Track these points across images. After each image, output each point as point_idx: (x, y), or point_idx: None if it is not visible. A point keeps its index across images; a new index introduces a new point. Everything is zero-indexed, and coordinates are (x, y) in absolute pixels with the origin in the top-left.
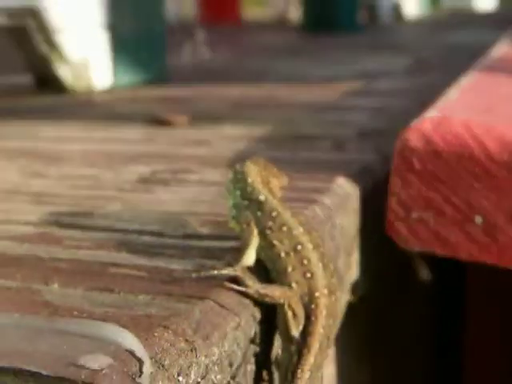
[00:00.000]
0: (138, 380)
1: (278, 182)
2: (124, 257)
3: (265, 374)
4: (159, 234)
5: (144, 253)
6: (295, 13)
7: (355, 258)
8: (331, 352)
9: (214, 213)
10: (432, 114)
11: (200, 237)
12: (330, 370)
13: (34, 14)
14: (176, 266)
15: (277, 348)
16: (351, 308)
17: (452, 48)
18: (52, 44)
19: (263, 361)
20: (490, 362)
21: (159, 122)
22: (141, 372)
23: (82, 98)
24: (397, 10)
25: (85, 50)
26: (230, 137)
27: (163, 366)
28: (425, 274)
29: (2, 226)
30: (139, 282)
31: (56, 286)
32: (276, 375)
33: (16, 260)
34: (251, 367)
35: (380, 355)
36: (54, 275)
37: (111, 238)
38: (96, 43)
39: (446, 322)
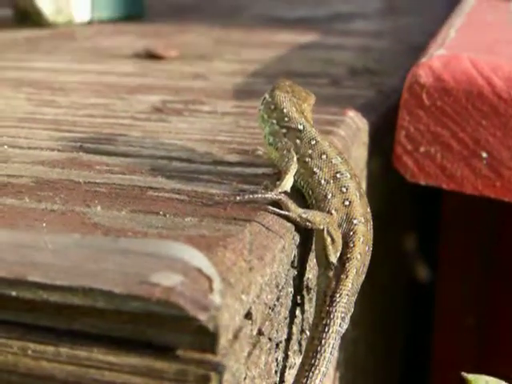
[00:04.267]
0: (210, 297)
1: (308, 104)
2: (160, 181)
3: (302, 296)
4: (189, 161)
5: (179, 178)
6: None
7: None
8: None
9: (236, 141)
10: (440, 51)
11: (230, 163)
12: None
13: None
14: (215, 190)
15: (312, 273)
16: None
17: None
18: None
19: (300, 284)
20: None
21: (151, 55)
22: (211, 289)
23: (64, 31)
24: None
25: None
26: (224, 72)
27: (230, 283)
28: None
29: (29, 151)
30: (182, 204)
31: (99, 208)
32: (314, 298)
33: (52, 183)
34: (291, 289)
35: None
36: (95, 198)
37: (142, 163)
38: None
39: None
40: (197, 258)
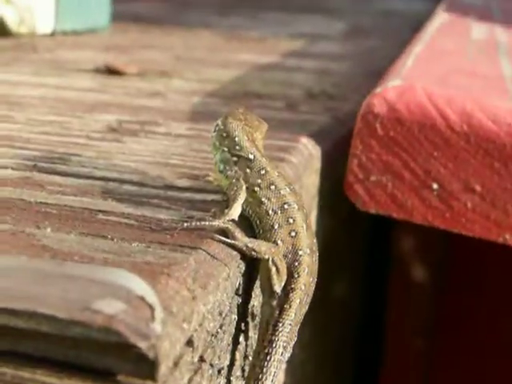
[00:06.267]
0: (151, 325)
1: (261, 132)
2: (110, 204)
3: (247, 323)
4: (140, 184)
5: (129, 201)
6: None
7: (313, 217)
8: None
9: (188, 166)
10: (395, 82)
11: (180, 188)
12: None
13: None
14: (163, 215)
15: (258, 301)
16: None
17: (386, 14)
18: None
19: (245, 311)
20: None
21: (110, 70)
22: (153, 318)
23: (25, 42)
24: None
25: None
26: (182, 91)
27: (172, 312)
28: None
29: None
30: (130, 229)
31: (49, 230)
32: (257, 327)
33: (3, 202)
34: (235, 317)
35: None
36: (45, 219)
37: (93, 184)
38: None
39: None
40: (140, 286)
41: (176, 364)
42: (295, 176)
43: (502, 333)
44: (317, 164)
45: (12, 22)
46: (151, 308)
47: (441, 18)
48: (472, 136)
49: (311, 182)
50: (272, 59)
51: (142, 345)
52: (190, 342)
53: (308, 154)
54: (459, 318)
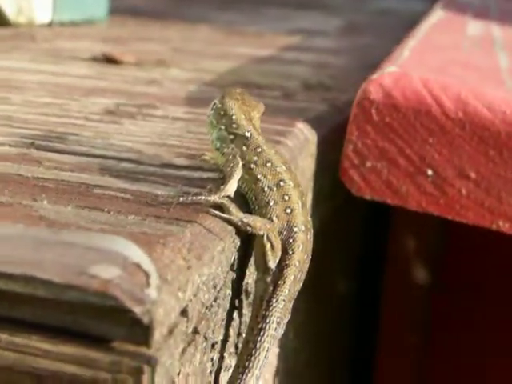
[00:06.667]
0: (146, 291)
1: (258, 112)
2: (107, 180)
3: (241, 300)
4: (137, 162)
5: (126, 177)
6: None
7: (308, 199)
8: None
9: (185, 146)
10: (391, 68)
11: (177, 166)
12: None
13: None
14: (160, 191)
15: (252, 278)
16: None
17: (383, 13)
18: None
19: (239, 288)
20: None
21: (108, 59)
22: (148, 284)
23: (24, 31)
24: None
25: None
26: (179, 79)
27: (167, 280)
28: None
29: None
30: (127, 203)
31: (45, 202)
32: (251, 305)
33: (0, 177)
34: (229, 292)
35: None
36: (42, 193)
37: (91, 162)
38: None
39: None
40: (136, 254)
41: (170, 332)
42: (291, 158)
43: (499, 332)
44: (312, 148)
45: (10, 12)
46: (147, 274)
47: (437, 15)
48: (467, 123)
49: (307, 164)
50: (270, 52)
51: (137, 309)
52: (184, 312)
53: (304, 139)
54: (455, 317)
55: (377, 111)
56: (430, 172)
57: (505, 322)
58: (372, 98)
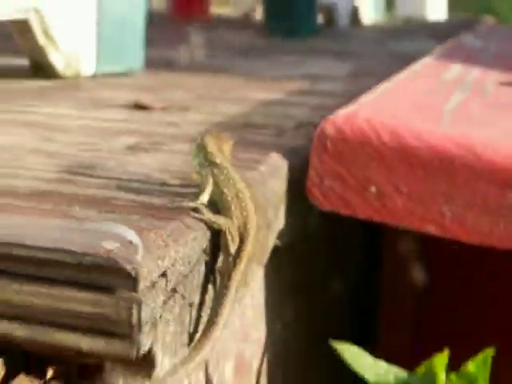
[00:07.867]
0: (135, 256)
1: (228, 146)
2: (121, 194)
3: (212, 273)
4: (144, 182)
5: (134, 192)
6: (260, 12)
7: (282, 212)
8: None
9: (182, 171)
10: (345, 110)
11: (171, 185)
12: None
13: (36, 11)
14: (156, 201)
15: (220, 258)
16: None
17: (395, 56)
18: (48, 36)
19: (211, 266)
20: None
21: (140, 106)
22: (136, 253)
23: (70, 83)
24: (355, 15)
25: (75, 42)
26: (194, 122)
27: (150, 251)
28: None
29: (29, 173)
30: (132, 209)
31: (77, 208)
32: (217, 279)
33: (47, 192)
34: (203, 268)
35: (303, 292)
36: (75, 203)
37: (110, 183)
38: (84, 37)
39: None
40: (130, 235)
41: (153, 286)
42: (261, 179)
43: (499, 332)
44: (283, 172)
45: (60, 67)
46: (136, 247)
47: (425, 60)
48: (400, 151)
49: (278, 185)
50: (279, 96)
51: (128, 267)
52: (164, 275)
53: (275, 165)
54: (453, 318)
55: (331, 143)
56: (373, 189)
57: (505, 322)
58: (327, 133)
